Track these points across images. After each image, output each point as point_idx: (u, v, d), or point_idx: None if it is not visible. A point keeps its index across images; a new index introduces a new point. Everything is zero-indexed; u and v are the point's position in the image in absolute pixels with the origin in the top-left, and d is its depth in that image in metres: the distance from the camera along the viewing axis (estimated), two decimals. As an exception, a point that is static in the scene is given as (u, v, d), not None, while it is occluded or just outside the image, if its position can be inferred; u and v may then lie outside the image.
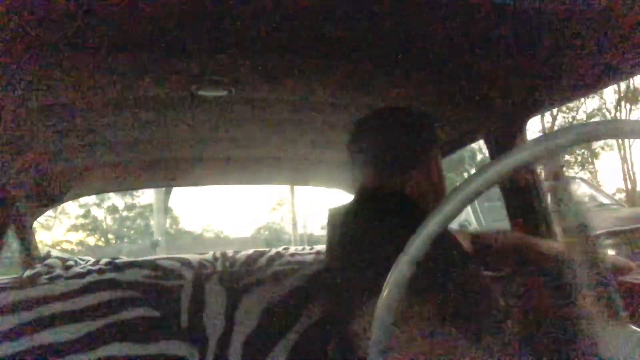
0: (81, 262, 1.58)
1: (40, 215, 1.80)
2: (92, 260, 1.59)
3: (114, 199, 21.08)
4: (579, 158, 20.12)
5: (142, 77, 1.16)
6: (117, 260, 1.59)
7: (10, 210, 1.54)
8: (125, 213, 22.17)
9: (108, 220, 22.00)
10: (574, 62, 1.05)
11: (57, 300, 1.30)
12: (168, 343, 1.30)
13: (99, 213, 21.51)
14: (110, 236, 21.17)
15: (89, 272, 1.49)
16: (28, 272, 1.52)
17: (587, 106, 19.29)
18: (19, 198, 1.56)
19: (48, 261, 1.55)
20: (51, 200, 1.71)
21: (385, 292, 0.50)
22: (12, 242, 1.71)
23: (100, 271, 1.50)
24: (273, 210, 24.90)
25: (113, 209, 21.79)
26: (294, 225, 15.99)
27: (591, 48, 0.98)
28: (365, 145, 1.11)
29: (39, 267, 1.52)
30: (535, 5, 0.84)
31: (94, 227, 21.15)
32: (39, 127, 1.34)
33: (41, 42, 0.94)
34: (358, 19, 0.95)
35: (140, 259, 1.64)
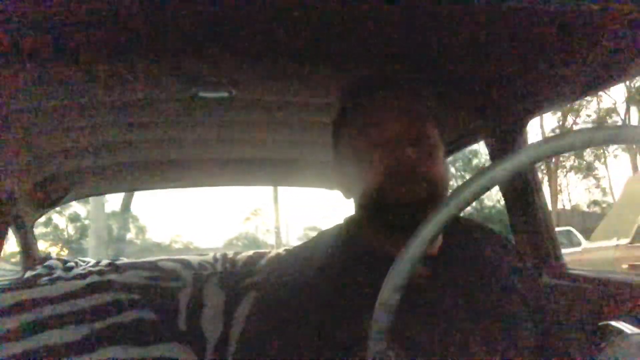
0: (82, 263, 1.59)
1: (40, 216, 1.82)
2: (93, 261, 1.60)
3: (76, 206, 20.35)
4: (584, 163, 20.04)
5: (143, 79, 1.21)
6: (118, 262, 1.61)
7: (10, 211, 1.54)
8: (87, 221, 21.45)
9: (70, 229, 21.27)
10: (575, 62, 1.07)
11: (58, 302, 1.32)
12: (166, 346, 1.33)
13: (61, 222, 20.79)
14: (74, 246, 20.46)
15: (89, 274, 1.50)
16: (28, 274, 1.53)
17: (599, 107, 19.39)
18: (19, 198, 1.57)
19: (48, 262, 1.56)
20: (51, 201, 1.72)
21: (383, 294, 0.50)
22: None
23: (100, 272, 1.51)
24: (247, 220, 24.58)
25: (75, 217, 21.06)
26: (277, 233, 15.54)
27: (591, 48, 1.00)
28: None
29: (39, 269, 1.53)
30: (535, 6, 0.85)
31: (55, 236, 20.41)
32: (39, 127, 1.36)
33: (42, 44, 0.99)
34: (355, 22, 0.99)
35: (140, 260, 1.66)
